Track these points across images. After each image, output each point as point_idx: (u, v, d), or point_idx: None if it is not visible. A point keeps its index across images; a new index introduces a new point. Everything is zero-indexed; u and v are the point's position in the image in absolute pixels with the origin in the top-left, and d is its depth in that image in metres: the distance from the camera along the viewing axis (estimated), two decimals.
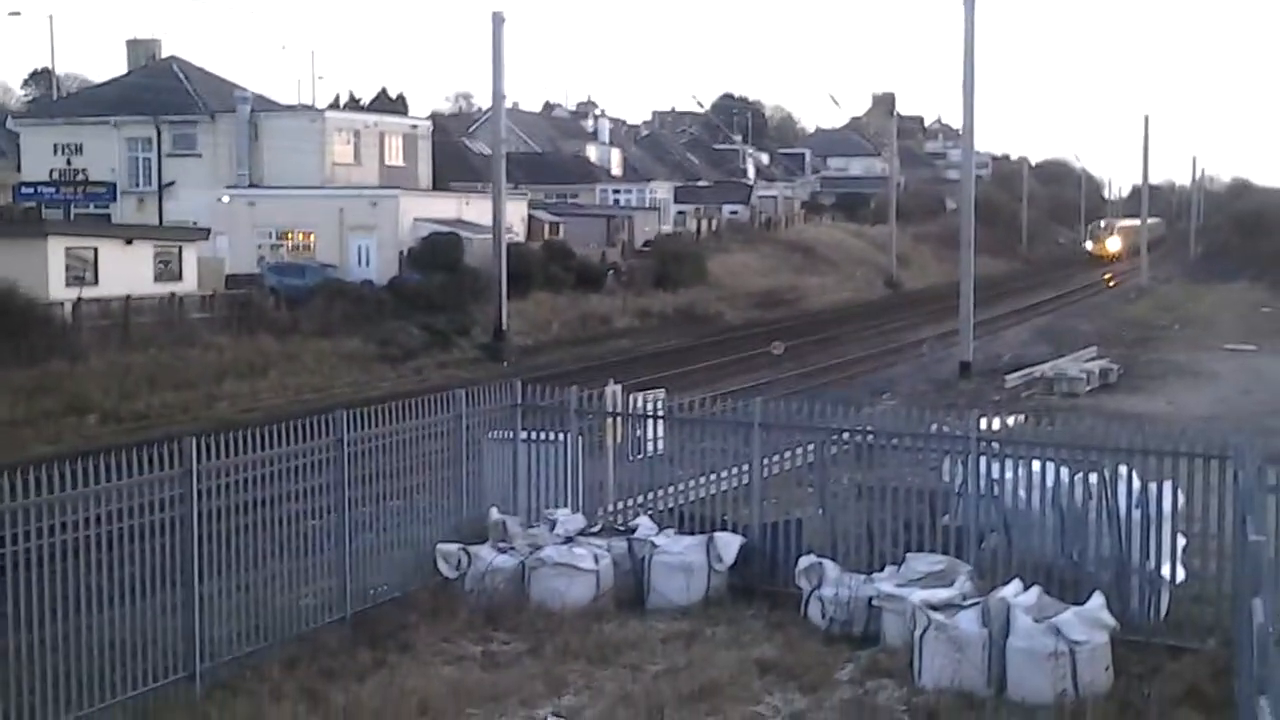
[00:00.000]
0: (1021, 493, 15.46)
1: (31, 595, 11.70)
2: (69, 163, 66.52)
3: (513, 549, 16.18)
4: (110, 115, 65.89)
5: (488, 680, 13.29)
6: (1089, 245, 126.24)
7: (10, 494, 11.59)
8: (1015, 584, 13.99)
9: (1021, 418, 22.76)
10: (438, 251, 56.97)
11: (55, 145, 66.80)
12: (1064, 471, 15.29)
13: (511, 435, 18.00)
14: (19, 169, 70.51)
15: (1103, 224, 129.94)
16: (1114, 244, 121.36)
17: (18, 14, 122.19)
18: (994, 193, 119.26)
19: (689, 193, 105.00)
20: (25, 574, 11.62)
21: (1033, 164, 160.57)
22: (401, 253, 58.06)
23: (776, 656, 13.93)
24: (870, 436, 16.70)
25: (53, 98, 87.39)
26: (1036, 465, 15.48)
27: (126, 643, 12.52)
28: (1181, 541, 14.81)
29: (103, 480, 12.39)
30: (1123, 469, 14.99)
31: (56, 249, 44.61)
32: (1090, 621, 13.21)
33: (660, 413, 17.99)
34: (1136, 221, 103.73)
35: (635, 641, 14.41)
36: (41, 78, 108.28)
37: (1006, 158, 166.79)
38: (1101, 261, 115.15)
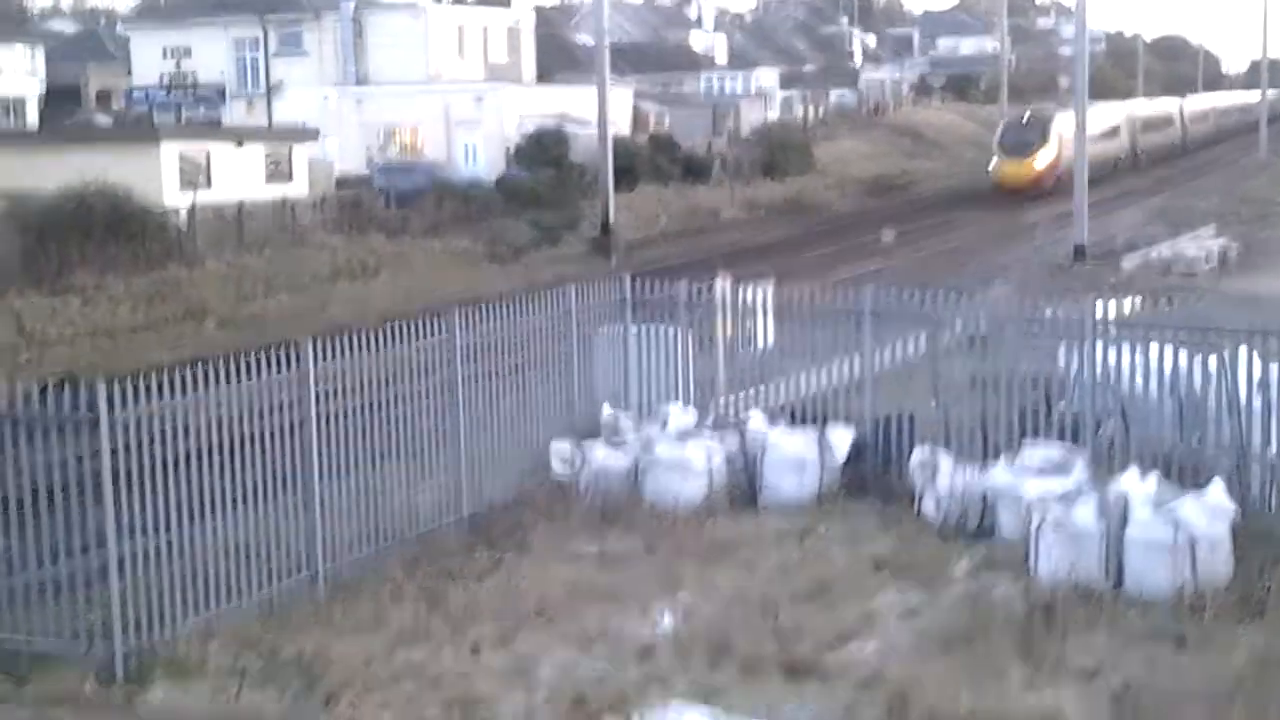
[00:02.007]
0: (1139, 378, 15.23)
1: (157, 500, 11.98)
2: (178, 66, 67.13)
3: (625, 446, 16.24)
4: (217, 16, 66.26)
5: (603, 579, 13.41)
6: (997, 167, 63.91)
7: (134, 400, 11.83)
8: (1133, 472, 13.82)
9: (1138, 300, 22.35)
10: (543, 147, 56.85)
11: (164, 49, 67.41)
12: (1182, 355, 15.03)
13: (622, 330, 18.00)
14: (129, 73, 71.27)
15: (1026, 118, 66.76)
16: (1045, 158, 62.11)
17: None
18: (1108, 70, 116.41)
19: (795, 78, 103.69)
20: (150, 479, 11.89)
21: (1148, 41, 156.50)
22: (508, 149, 58.05)
23: (890, 552, 13.91)
24: (984, 324, 16.50)
25: (160, 2, 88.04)
26: (1154, 350, 15.22)
27: (250, 545, 12.81)
28: None
29: (222, 385, 12.61)
30: (1243, 351, 14.71)
31: (170, 153, 45.06)
32: (1210, 510, 13.05)
33: (769, 305, 17.86)
34: (1119, 109, 73.33)
35: (749, 539, 14.46)
36: None
37: (1121, 34, 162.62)
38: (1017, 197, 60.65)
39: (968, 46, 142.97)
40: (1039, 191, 59.91)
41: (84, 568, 11.83)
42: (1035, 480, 14.13)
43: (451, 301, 27.06)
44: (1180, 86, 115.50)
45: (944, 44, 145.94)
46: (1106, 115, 69.11)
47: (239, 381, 12.77)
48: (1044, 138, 62.74)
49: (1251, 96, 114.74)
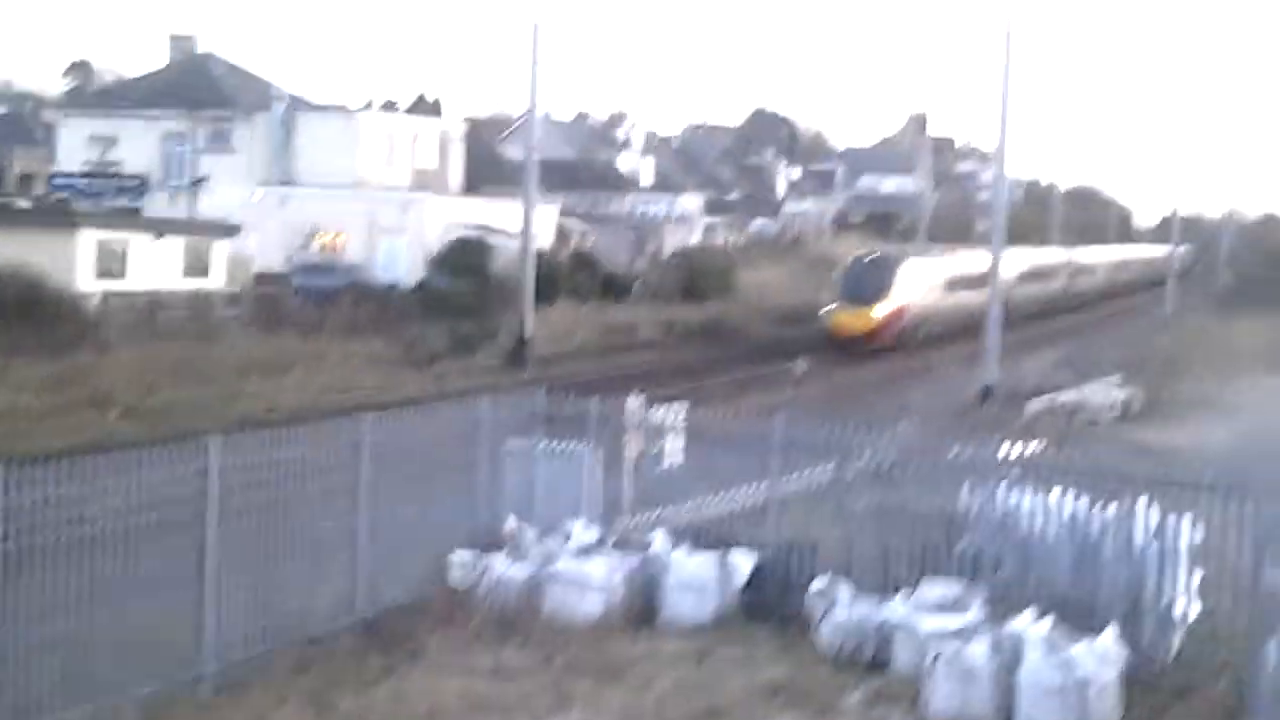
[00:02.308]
0: (1039, 521, 15.39)
1: (44, 589, 11.74)
2: (103, 155, 66.82)
3: (526, 559, 16.17)
4: (146, 109, 66.16)
5: (496, 692, 13.27)
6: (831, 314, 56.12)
7: (29, 487, 11.63)
8: (1029, 613, 13.92)
9: (1041, 445, 22.64)
10: (466, 256, 57.02)
11: (90, 136, 67.11)
12: (1082, 501, 15.22)
13: (531, 443, 17.98)
14: (54, 160, 70.86)
15: (870, 260, 59.99)
16: (887, 308, 55.26)
17: (59, 5, 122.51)
18: (1024, 216, 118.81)
19: (719, 206, 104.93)
20: (41, 568, 11.66)
21: (1063, 190, 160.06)
22: (429, 256, 58.13)
23: (786, 678, 13.89)
24: (889, 459, 16.64)
25: (90, 89, 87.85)
26: (1055, 494, 15.41)
27: (136, 640, 12.55)
28: (1198, 576, 14.72)
29: (119, 475, 12.43)
30: (1141, 501, 14.92)
31: (87, 240, 44.81)
32: (1102, 655, 13.15)
33: (680, 426, 17.94)
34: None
35: (645, 658, 14.38)
36: (79, 69, 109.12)
37: (1037, 183, 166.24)
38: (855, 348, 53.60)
39: (889, 185, 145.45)
40: (878, 345, 53.54)
41: None
42: (932, 616, 14.20)
43: (363, 404, 27.07)
44: (1093, 236, 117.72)
45: (865, 181, 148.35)
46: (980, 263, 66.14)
47: (137, 473, 12.59)
48: (888, 285, 55.82)
49: (1153, 251, 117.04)
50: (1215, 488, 14.62)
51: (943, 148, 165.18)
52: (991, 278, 42.05)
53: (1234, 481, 14.63)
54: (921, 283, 58.37)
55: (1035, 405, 36.76)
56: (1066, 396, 37.70)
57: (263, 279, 52.97)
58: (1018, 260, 68.96)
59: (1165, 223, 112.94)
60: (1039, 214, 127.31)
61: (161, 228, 50.34)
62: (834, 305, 56.15)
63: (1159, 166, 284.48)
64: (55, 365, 35.04)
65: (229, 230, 53.51)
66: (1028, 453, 17.83)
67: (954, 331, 56.36)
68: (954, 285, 59.91)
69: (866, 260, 59.62)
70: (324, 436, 14.73)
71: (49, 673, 11.76)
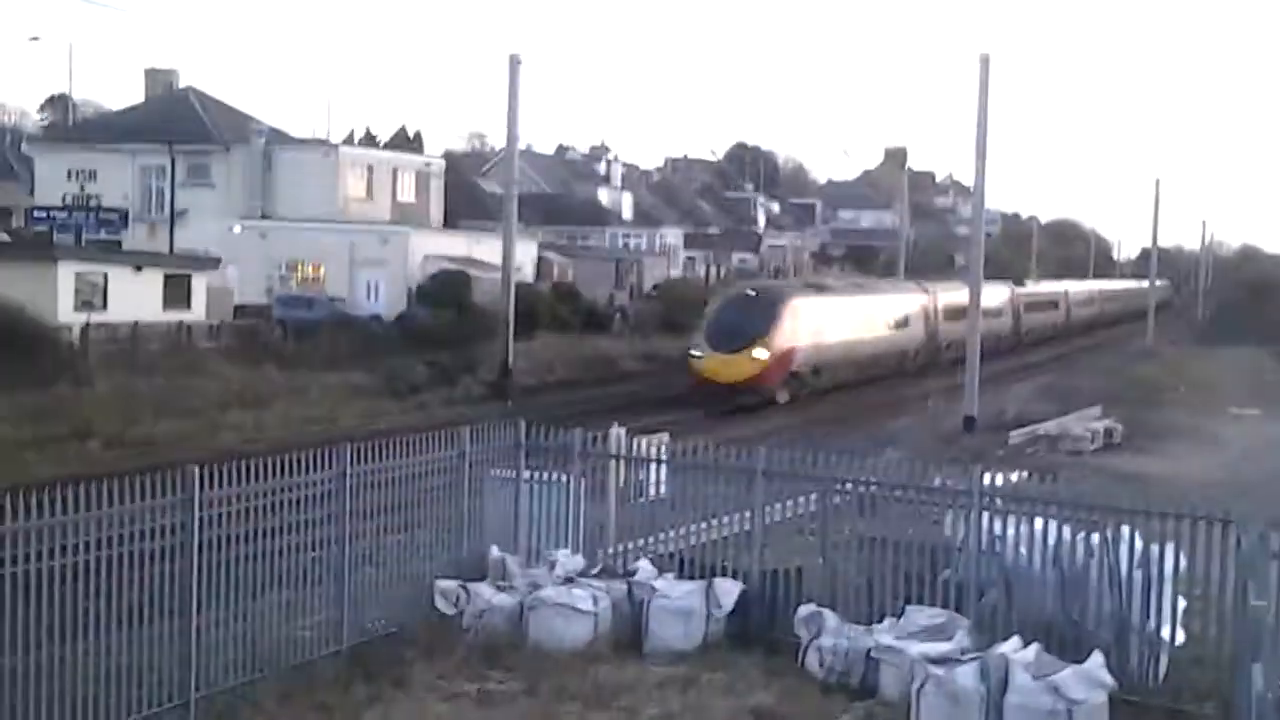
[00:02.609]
0: (1023, 550, 15.43)
1: (28, 619, 11.68)
2: (82, 188, 66.81)
3: (512, 588, 16.16)
4: (125, 143, 66.19)
5: (482, 719, 13.23)
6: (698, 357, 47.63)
7: (10, 517, 11.58)
8: (1014, 640, 13.95)
9: (1024, 474, 22.70)
10: (446, 289, 57.11)
11: (69, 171, 67.10)
12: (1066, 530, 15.26)
13: (514, 474, 17.99)
14: (32, 193, 70.78)
15: (751, 292, 52.94)
16: (771, 351, 47.51)
17: (37, 39, 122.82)
18: (1003, 250, 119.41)
19: (699, 239, 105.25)
20: (23, 597, 11.61)
21: (1042, 223, 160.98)
22: (410, 289, 58.18)
23: (773, 705, 13.88)
24: (873, 488, 16.68)
25: (68, 124, 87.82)
26: (1039, 523, 15.45)
27: (121, 669, 12.49)
28: (1182, 604, 14.77)
29: (103, 506, 12.40)
30: (1125, 529, 14.97)
31: (66, 274, 44.77)
32: (1089, 681, 13.17)
33: (663, 457, 17.99)
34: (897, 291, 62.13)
35: (631, 685, 14.35)
36: (58, 103, 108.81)
37: (1016, 216, 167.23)
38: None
39: (867, 219, 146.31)
40: (758, 394, 46.05)
41: None
42: (919, 642, 14.22)
43: (344, 435, 27.01)
44: (1071, 269, 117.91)
45: (845, 215, 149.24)
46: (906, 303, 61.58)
47: (121, 503, 12.55)
48: (771, 325, 47.05)
49: (1120, 285, 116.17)
50: (1197, 516, 14.68)
51: (922, 182, 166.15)
52: (971, 309, 42.19)
53: (1215, 510, 14.70)
54: (819, 321, 50.50)
55: (1018, 435, 36.87)
56: (1049, 427, 37.81)
57: (243, 311, 52.92)
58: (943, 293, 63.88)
59: (1145, 255, 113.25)
60: (1020, 247, 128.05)
61: (141, 260, 50.32)
62: (702, 347, 47.03)
63: (1138, 198, 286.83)
64: (35, 397, 34.94)
65: (209, 263, 53.48)
66: (1011, 482, 17.89)
67: (863, 378, 52.42)
68: (864, 323, 54.75)
69: (747, 295, 50.33)
70: (307, 467, 14.69)
71: (35, 702, 11.68)
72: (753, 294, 50.62)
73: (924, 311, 61.94)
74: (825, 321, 51.04)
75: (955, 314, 57.54)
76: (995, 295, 68.60)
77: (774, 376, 46.85)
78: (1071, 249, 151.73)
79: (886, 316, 57.82)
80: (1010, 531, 15.56)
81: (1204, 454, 36.56)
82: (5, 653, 11.53)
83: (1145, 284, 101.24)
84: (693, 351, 47.25)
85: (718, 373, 45.60)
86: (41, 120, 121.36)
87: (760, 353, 46.23)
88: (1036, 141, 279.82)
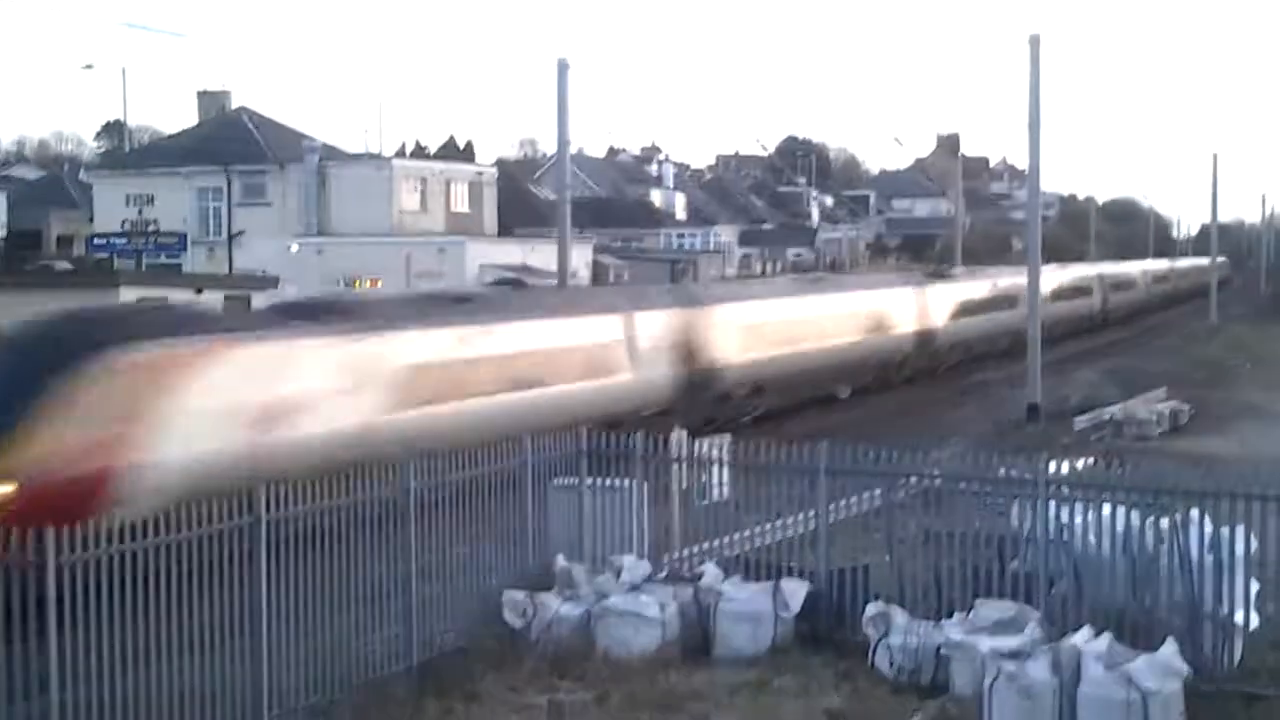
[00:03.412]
0: (1091, 538, 15.30)
1: (102, 647, 11.80)
2: (140, 213, 67.38)
3: (578, 597, 16.17)
4: (181, 166, 66.79)
5: None
6: None
7: (81, 545, 11.71)
8: (1086, 631, 13.85)
9: (1091, 461, 22.52)
10: None
11: (127, 196, 67.71)
12: (1134, 516, 15.13)
13: (577, 481, 18.01)
14: (91, 220, 71.53)
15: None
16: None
17: (90, 67, 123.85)
18: (1061, 233, 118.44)
19: (753, 236, 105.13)
20: (96, 626, 11.73)
21: (1100, 203, 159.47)
22: None
23: (844, 706, 13.84)
24: (938, 481, 16.60)
25: (125, 150, 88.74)
26: (1106, 509, 15.32)
27: (195, 693, 12.60)
28: (1255, 586, 14.61)
29: (173, 531, 12.52)
30: (1194, 513, 14.82)
31: (129, 298, 45.12)
32: (1163, 669, 13.05)
33: (725, 458, 17.96)
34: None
35: (702, 691, 14.35)
36: (114, 130, 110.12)
37: (1074, 197, 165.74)
38: None
39: (922, 208, 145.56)
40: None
41: (24, 715, 11.60)
42: (989, 636, 14.13)
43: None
44: (1132, 250, 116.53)
45: (899, 205, 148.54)
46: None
47: (189, 529, 12.66)
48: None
49: (1168, 264, 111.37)
50: (1268, 496, 14.52)
51: (976, 168, 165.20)
52: (1031, 295, 41.77)
53: None
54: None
55: (1082, 421, 36.55)
56: (1113, 411, 37.47)
57: None
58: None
59: (1206, 232, 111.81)
60: (1078, 229, 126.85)
61: (201, 283, 50.61)
62: None
63: (1197, 173, 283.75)
64: None
65: (268, 282, 53.79)
66: (1077, 469, 17.75)
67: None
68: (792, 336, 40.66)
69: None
70: (372, 482, 14.77)
71: None
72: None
73: (915, 312, 50.39)
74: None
75: (961, 312, 52.82)
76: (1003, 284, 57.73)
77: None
78: (1131, 228, 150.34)
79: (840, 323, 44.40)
80: (1078, 520, 15.44)
81: (1273, 431, 36.13)
82: (81, 682, 11.65)
83: (1201, 261, 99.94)
84: None
85: None
86: (98, 148, 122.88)
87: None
88: (1092, 120, 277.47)
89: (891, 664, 14.69)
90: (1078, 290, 73.24)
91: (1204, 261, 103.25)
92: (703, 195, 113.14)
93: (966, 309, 54.34)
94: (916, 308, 50.10)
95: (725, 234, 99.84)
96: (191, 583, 12.63)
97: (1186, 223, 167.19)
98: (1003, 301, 56.48)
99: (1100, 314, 78.10)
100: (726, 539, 17.45)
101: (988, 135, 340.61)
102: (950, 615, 15.05)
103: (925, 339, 50.44)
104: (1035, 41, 39.55)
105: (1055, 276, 61.68)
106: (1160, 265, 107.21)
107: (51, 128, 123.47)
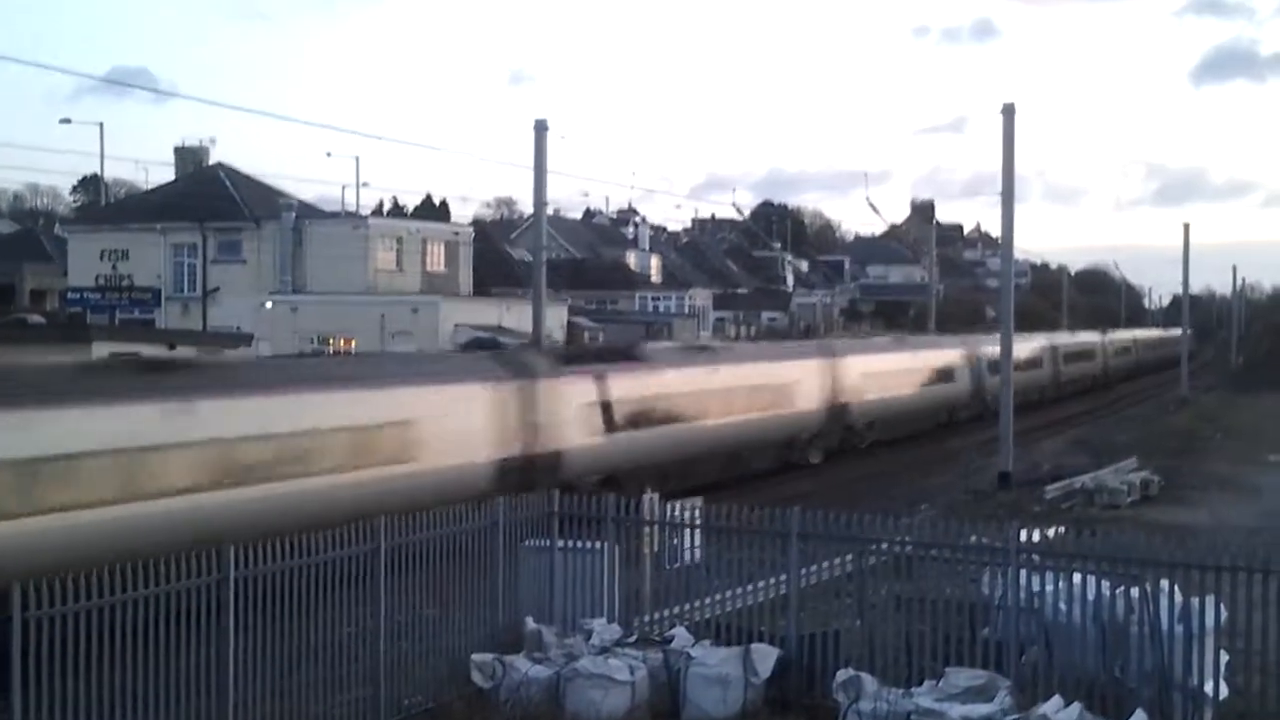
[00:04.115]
0: (1062, 606, 15.30)
1: (66, 702, 11.70)
2: (115, 268, 67.29)
3: (548, 659, 16.09)
4: (156, 222, 66.75)
5: None
6: None
7: (49, 600, 11.62)
8: (1056, 700, 13.82)
9: (1062, 529, 22.54)
10: None
11: (102, 251, 67.63)
12: (1105, 585, 15.13)
13: (548, 543, 17.96)
14: (66, 275, 71.37)
15: None
16: None
17: (68, 121, 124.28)
18: (1034, 301, 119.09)
19: (728, 300, 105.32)
20: (61, 681, 11.63)
21: (1072, 273, 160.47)
22: None
23: None
24: (909, 547, 16.59)
25: (101, 204, 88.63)
26: (1077, 578, 15.33)
27: None
28: (1225, 658, 14.61)
29: (140, 587, 12.43)
30: (1164, 583, 14.84)
31: (100, 353, 44.93)
32: None
33: (697, 521, 17.93)
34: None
35: None
36: (90, 184, 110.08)
37: (1046, 266, 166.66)
38: None
39: (896, 274, 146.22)
40: None
41: None
42: (960, 704, 14.08)
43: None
44: (1103, 320, 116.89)
45: (874, 271, 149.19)
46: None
47: (157, 584, 12.58)
48: None
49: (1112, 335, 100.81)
50: (1238, 568, 14.55)
51: (950, 235, 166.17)
52: (1004, 360, 41.92)
53: (1256, 560, 14.56)
54: None
55: (1053, 490, 36.61)
56: (1084, 480, 37.54)
57: None
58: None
59: (1177, 301, 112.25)
60: (1050, 297, 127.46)
61: (175, 339, 50.46)
62: None
63: (1168, 241, 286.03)
64: None
65: (242, 339, 53.67)
66: (1049, 537, 17.76)
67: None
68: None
69: None
70: (342, 541, 14.70)
71: None
72: None
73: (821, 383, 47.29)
74: None
75: (876, 382, 49.38)
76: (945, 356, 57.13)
77: None
78: (1104, 298, 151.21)
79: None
80: (1049, 588, 15.44)
81: (1243, 503, 36.26)
82: None
83: (1170, 332, 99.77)
84: None
85: None
86: (74, 202, 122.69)
87: None
88: (1064, 191, 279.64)
89: None
90: (1025, 363, 64.18)
91: (1172, 332, 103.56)
92: (678, 258, 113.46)
93: (882, 381, 51.35)
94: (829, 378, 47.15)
95: (700, 297, 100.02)
96: (158, 639, 12.53)
97: (1158, 293, 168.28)
98: (930, 374, 55.55)
99: (1051, 387, 73.94)
100: (697, 603, 17.39)
101: (961, 203, 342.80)
102: (921, 682, 15.02)
103: (835, 412, 47.65)
104: (1009, 110, 39.87)
105: (881, 359, 54.01)
106: (1124, 336, 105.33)
107: (27, 181, 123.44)
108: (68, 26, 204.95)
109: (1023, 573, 15.56)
